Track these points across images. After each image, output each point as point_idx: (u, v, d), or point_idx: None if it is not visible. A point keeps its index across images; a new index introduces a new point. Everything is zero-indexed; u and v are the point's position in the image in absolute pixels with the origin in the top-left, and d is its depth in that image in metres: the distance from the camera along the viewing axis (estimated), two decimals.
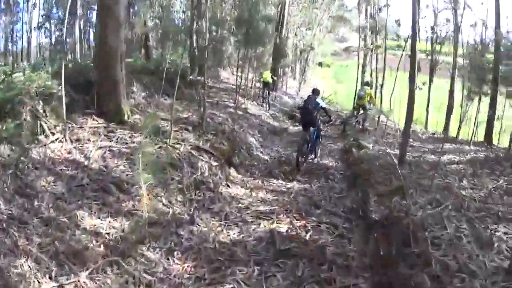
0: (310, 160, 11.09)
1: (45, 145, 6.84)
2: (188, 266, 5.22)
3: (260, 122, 14.90)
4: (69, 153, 7.05)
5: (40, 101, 7.45)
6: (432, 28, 16.70)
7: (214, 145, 9.37)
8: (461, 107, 15.63)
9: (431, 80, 17.05)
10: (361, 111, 15.72)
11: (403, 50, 13.64)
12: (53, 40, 25.57)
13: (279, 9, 22.97)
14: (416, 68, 13.54)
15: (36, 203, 5.51)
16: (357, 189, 8.45)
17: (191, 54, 17.34)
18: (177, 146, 8.29)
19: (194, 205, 7.03)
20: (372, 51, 18.98)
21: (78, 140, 7.54)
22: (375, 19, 18.23)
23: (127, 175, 6.89)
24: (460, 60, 17.28)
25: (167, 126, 9.20)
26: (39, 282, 4.23)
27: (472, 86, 15.18)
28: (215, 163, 8.53)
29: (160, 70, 13.26)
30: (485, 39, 15.64)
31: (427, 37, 17.11)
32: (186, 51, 16.50)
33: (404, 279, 4.66)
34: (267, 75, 18.51)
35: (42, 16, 25.89)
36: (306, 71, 26.44)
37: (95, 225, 5.58)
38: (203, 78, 10.01)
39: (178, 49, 17.75)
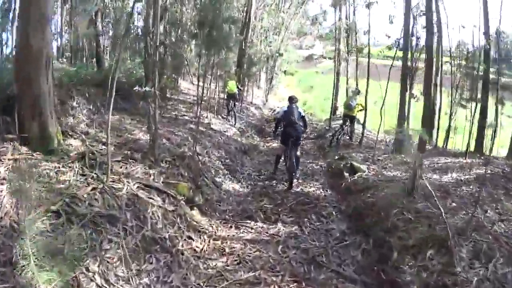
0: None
1: None
2: None
3: (227, 140, 12.69)
4: None
5: None
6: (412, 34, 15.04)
7: (170, 178, 7.05)
8: (451, 116, 13.94)
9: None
10: (348, 123, 13.88)
11: (394, 58, 11.72)
12: None
13: (244, 12, 20.87)
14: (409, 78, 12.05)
15: None
16: (366, 235, 6.41)
17: (146, 62, 14.94)
18: (118, 185, 5.94)
19: (144, 280, 4.72)
20: (349, 54, 17.10)
21: None
22: (354, 20, 16.36)
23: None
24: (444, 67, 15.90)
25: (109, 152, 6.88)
26: None
27: (462, 93, 13.89)
28: (171, 207, 6.23)
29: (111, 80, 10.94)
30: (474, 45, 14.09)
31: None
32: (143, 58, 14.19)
33: None
34: (232, 85, 16.36)
35: None
36: (273, 80, 24.32)
37: None
38: (153, 89, 7.67)
39: (135, 57, 15.76)
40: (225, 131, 13.71)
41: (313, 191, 8.99)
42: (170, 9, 16.74)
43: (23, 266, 3.42)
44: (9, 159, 5.53)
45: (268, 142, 14.94)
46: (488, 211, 6.50)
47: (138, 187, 6.14)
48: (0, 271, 3.64)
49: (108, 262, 4.53)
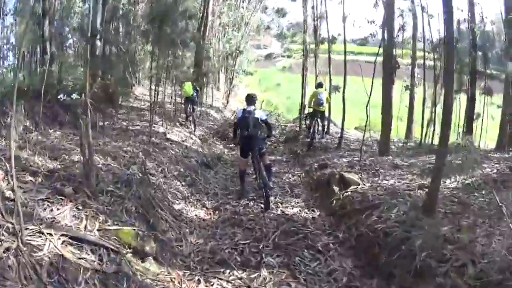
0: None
1: None
2: None
3: (186, 152, 10.66)
4: None
5: None
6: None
7: (110, 220, 4.97)
8: (434, 109, 12.61)
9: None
10: (318, 121, 12.27)
11: (377, 54, 10.06)
12: None
13: (202, 7, 18.84)
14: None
15: None
16: (385, 277, 4.64)
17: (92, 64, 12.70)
18: (38, 241, 3.87)
19: None
20: (318, 46, 15.32)
21: None
22: (325, 10, 14.54)
23: None
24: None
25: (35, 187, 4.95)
26: None
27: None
28: (112, 267, 4.15)
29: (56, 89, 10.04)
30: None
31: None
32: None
33: None
34: (189, 87, 14.35)
35: None
36: (233, 80, 22.33)
37: None
38: (83, 97, 5.65)
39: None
40: (183, 141, 11.68)
41: (297, 212, 7.16)
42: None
43: None
44: None
45: (233, 149, 12.98)
46: None
47: (64, 241, 4.07)
48: None
49: None
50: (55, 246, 3.90)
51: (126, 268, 4.27)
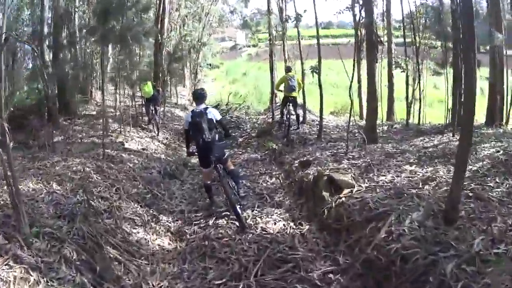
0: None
1: None
2: None
3: (147, 162, 9.14)
4: None
5: None
6: None
7: (41, 285, 3.55)
8: (419, 87, 11.36)
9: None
10: (291, 108, 11.04)
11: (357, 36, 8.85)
12: None
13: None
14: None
15: None
16: None
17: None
18: None
19: None
20: (285, 26, 13.87)
21: None
22: None
23: None
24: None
25: None
26: None
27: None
28: None
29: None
30: None
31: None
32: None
33: None
34: (149, 87, 12.74)
35: None
36: (198, 74, 20.57)
37: None
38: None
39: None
40: (144, 149, 10.14)
41: (281, 229, 5.71)
42: None
43: None
44: None
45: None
46: None
47: None
48: None
49: None
50: None
51: None
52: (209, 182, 6.73)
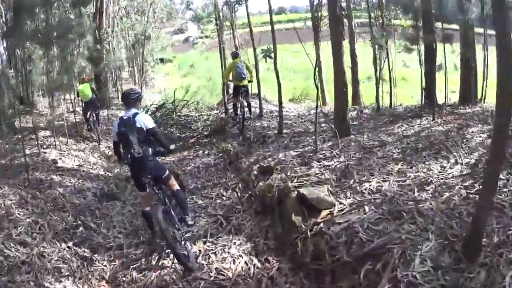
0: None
1: None
2: None
3: (80, 183, 7.42)
4: None
5: None
6: None
7: None
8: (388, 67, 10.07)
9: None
10: (242, 98, 9.61)
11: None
12: None
13: None
14: None
15: None
16: None
17: None
18: None
19: None
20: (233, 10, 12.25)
21: None
22: None
23: None
24: None
25: None
26: None
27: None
28: None
29: None
30: None
31: None
32: None
33: None
34: (86, 89, 10.92)
35: None
36: (145, 70, 18.53)
37: None
38: None
39: None
40: (80, 165, 8.39)
41: (243, 270, 4.22)
42: None
43: None
44: None
45: None
46: None
47: None
48: None
49: None
50: None
51: None
52: (148, 208, 5.10)
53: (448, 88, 10.01)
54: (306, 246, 3.99)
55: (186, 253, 4.56)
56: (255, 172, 6.44)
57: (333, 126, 7.20)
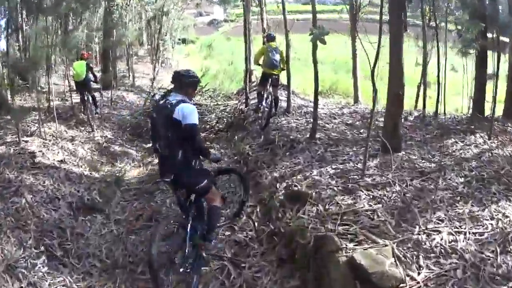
0: None
1: None
2: None
3: (56, 187, 5.70)
4: None
5: None
6: None
7: None
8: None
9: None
10: (270, 89, 7.83)
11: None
12: None
13: None
14: None
15: None
16: None
17: None
18: None
19: None
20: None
21: None
22: None
23: None
24: None
25: None
26: None
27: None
28: None
29: None
30: None
31: None
32: None
33: None
34: (81, 68, 9.34)
35: None
36: (161, 48, 16.69)
37: None
38: None
39: None
40: (62, 161, 6.76)
41: None
42: None
43: None
44: None
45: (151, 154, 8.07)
46: None
47: None
48: None
49: None
50: None
51: None
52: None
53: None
54: None
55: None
56: (281, 196, 4.68)
57: (383, 139, 5.40)
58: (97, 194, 5.84)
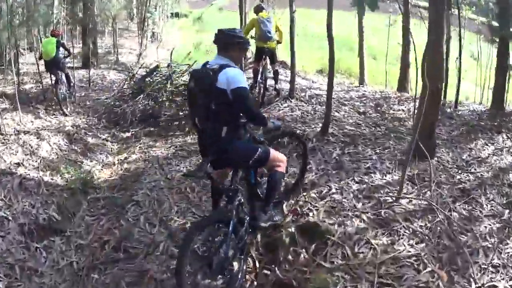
0: None
1: None
2: None
3: (6, 201, 4.46)
4: None
5: None
6: None
7: None
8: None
9: None
10: (267, 64, 7.17)
11: None
12: None
13: None
14: None
15: None
16: None
17: None
18: None
19: None
20: None
21: None
22: None
23: None
24: None
25: None
26: None
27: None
28: None
29: None
30: None
31: None
32: None
33: None
34: (48, 45, 8.10)
35: None
36: (149, 22, 15.04)
37: None
38: None
39: None
40: (21, 163, 5.44)
41: None
42: None
43: None
44: None
45: (132, 144, 6.81)
46: None
47: None
48: None
49: None
50: None
51: None
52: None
53: None
54: None
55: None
56: (291, 228, 3.43)
57: (419, 142, 4.17)
58: (56, 209, 4.57)
